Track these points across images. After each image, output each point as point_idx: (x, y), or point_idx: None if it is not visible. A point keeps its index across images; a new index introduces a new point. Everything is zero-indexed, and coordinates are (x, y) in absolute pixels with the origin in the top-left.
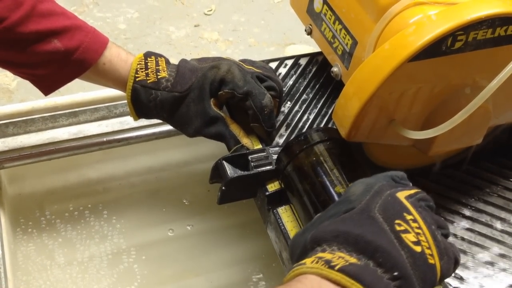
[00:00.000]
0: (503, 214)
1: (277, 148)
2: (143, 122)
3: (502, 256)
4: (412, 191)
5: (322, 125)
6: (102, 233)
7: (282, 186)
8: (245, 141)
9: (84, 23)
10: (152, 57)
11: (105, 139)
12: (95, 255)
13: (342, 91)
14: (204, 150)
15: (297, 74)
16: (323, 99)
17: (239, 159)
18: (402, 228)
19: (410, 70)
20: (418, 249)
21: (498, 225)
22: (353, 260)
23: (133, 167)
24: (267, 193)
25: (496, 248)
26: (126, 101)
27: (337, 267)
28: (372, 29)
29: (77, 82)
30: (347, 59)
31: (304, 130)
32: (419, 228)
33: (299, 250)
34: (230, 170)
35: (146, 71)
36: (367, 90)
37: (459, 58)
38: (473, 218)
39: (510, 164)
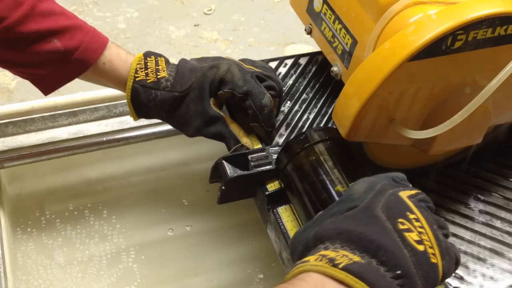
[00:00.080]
0: (503, 214)
1: (277, 148)
2: (143, 121)
3: (502, 255)
4: (413, 192)
5: (322, 125)
6: (102, 232)
7: (282, 185)
8: (245, 140)
9: (84, 23)
10: (152, 56)
11: (104, 139)
12: (95, 254)
13: (342, 91)
14: (204, 150)
15: (297, 74)
16: (323, 99)
17: (239, 158)
18: (405, 227)
19: (410, 69)
20: (421, 248)
21: (498, 224)
22: (356, 258)
23: (133, 166)
24: (267, 193)
25: (496, 248)
26: (125, 101)
27: (341, 265)
28: (372, 29)
29: (76, 82)
30: (347, 58)
31: (304, 129)
32: (422, 227)
33: (301, 248)
34: (230, 170)
35: (145, 71)
36: (367, 90)
37: (459, 57)
38: (473, 218)
39: (510, 164)
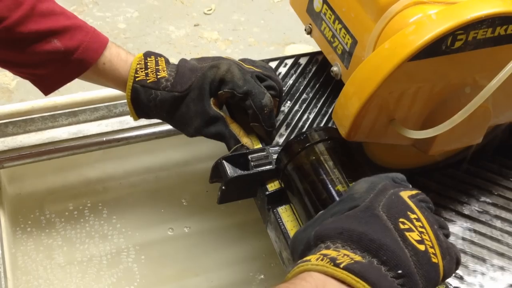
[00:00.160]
0: (503, 214)
1: (277, 148)
2: (143, 121)
3: (502, 255)
4: (414, 192)
5: (322, 125)
6: (101, 232)
7: (282, 185)
8: (245, 140)
9: (84, 23)
10: (152, 56)
11: (104, 139)
12: (95, 254)
13: (342, 91)
14: (204, 150)
15: (297, 74)
16: (323, 99)
17: (239, 158)
18: (406, 226)
19: (410, 69)
20: (422, 247)
21: (498, 224)
22: (357, 258)
23: (133, 166)
24: (267, 193)
25: (496, 248)
26: (125, 101)
27: (342, 265)
28: (372, 29)
29: (76, 82)
30: (347, 58)
31: (304, 129)
32: (423, 227)
33: (302, 247)
34: (230, 170)
35: (146, 71)
36: (367, 90)
37: (459, 57)
38: (473, 218)
39: (510, 164)
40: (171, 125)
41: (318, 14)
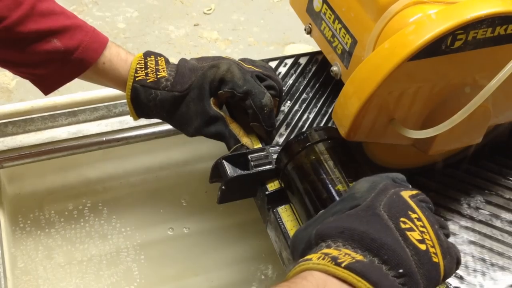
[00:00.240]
0: (503, 213)
1: (277, 148)
2: (143, 121)
3: (502, 255)
4: (414, 192)
5: (322, 125)
6: (101, 232)
7: (282, 185)
8: (245, 140)
9: (84, 23)
10: (152, 56)
11: (104, 139)
12: (94, 254)
13: (342, 90)
14: (204, 150)
15: (297, 73)
16: (323, 98)
17: (239, 158)
18: (407, 226)
19: (409, 69)
20: (423, 247)
21: (498, 224)
22: (359, 257)
23: (133, 166)
24: (267, 193)
25: (496, 248)
26: (125, 101)
27: (343, 264)
28: (372, 28)
29: (76, 82)
30: (346, 58)
31: (304, 129)
32: (424, 226)
33: (303, 245)
34: (230, 170)
35: (145, 71)
36: (367, 89)
37: (459, 57)
38: (473, 218)
39: (510, 163)
40: (171, 125)
41: (318, 13)
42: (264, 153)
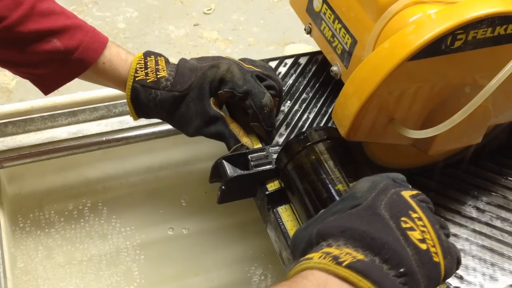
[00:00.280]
0: (503, 213)
1: (277, 148)
2: (142, 121)
3: (502, 255)
4: (414, 192)
5: (322, 124)
6: (101, 232)
7: (282, 185)
8: (245, 140)
9: (84, 23)
10: (152, 56)
11: (104, 139)
12: (94, 254)
13: (342, 90)
14: (204, 150)
15: (297, 73)
16: (323, 98)
17: (239, 158)
18: (408, 225)
19: (409, 69)
20: (423, 246)
21: (498, 224)
22: (360, 256)
23: (133, 166)
24: (267, 193)
25: (496, 248)
26: (125, 101)
27: (344, 264)
28: (372, 28)
29: (76, 82)
30: (346, 58)
31: (304, 129)
32: (424, 226)
33: (304, 244)
34: (230, 170)
35: (145, 71)
36: (367, 89)
37: (459, 57)
38: (473, 217)
39: (510, 163)
40: (171, 124)
41: (317, 13)
42: (264, 153)
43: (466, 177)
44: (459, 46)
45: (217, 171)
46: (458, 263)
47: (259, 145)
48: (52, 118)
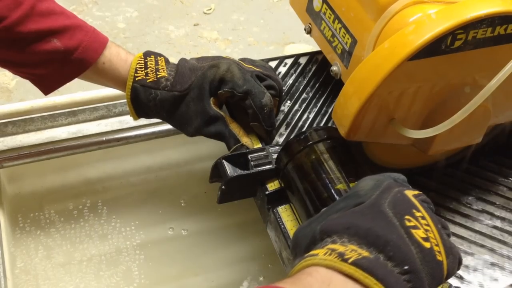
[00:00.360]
0: (503, 213)
1: (277, 147)
2: (142, 121)
3: (502, 255)
4: (416, 192)
5: (322, 124)
6: (101, 232)
7: (282, 185)
8: (245, 140)
9: (84, 23)
10: (152, 56)
11: (104, 139)
12: (94, 254)
13: (342, 90)
14: (204, 149)
15: (297, 73)
16: (323, 98)
17: (239, 158)
18: (411, 224)
19: (409, 69)
20: (427, 245)
21: (498, 224)
22: (365, 253)
23: (133, 166)
24: (266, 192)
25: (496, 247)
26: (125, 100)
27: (350, 260)
28: (372, 28)
29: (76, 82)
30: (346, 58)
31: (304, 129)
32: (428, 225)
33: (307, 241)
34: (230, 169)
35: (145, 71)
36: (367, 89)
37: (459, 57)
38: (473, 217)
39: (510, 163)
40: (171, 124)
41: (317, 13)
42: (264, 153)
43: (466, 177)
44: (459, 46)
45: (217, 171)
46: (459, 263)
47: (259, 145)
48: (52, 118)
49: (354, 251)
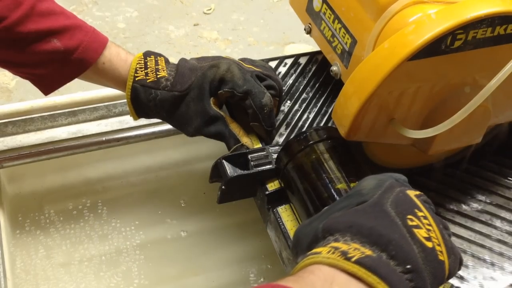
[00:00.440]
0: (503, 213)
1: (277, 147)
2: (143, 121)
3: (502, 255)
4: (417, 192)
5: (322, 124)
6: (101, 232)
7: (282, 185)
8: (245, 140)
9: (84, 23)
10: (152, 56)
11: (104, 139)
12: (94, 254)
13: (342, 90)
14: (204, 149)
15: (296, 73)
16: (322, 98)
17: (239, 158)
18: (414, 223)
19: (409, 69)
20: (429, 244)
21: (498, 224)
22: (368, 252)
23: (133, 166)
24: (266, 192)
25: (496, 247)
26: (125, 100)
27: (353, 259)
28: (372, 28)
29: (76, 82)
30: (346, 58)
31: (304, 129)
32: (430, 225)
33: (309, 239)
34: (230, 169)
35: (145, 71)
36: (367, 89)
37: (459, 57)
38: (473, 217)
39: (510, 163)
40: (171, 124)
41: (317, 13)
42: (264, 153)
43: (466, 177)
44: (459, 46)
45: (217, 171)
46: (460, 263)
47: (259, 145)
48: (52, 118)
49: (357, 249)
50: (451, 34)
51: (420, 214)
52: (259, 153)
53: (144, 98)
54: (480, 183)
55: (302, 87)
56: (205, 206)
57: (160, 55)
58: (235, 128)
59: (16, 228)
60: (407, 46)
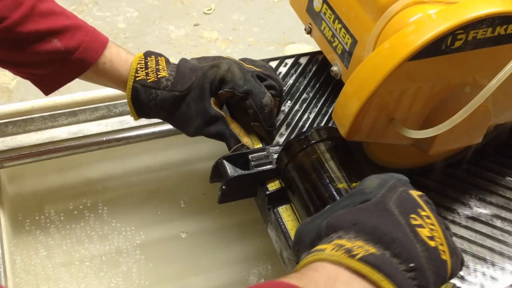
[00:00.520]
0: (503, 213)
1: (277, 147)
2: (143, 121)
3: (502, 255)
4: (420, 192)
5: (322, 124)
6: (101, 232)
7: (283, 185)
8: (246, 140)
9: (84, 23)
10: (152, 56)
11: (104, 139)
12: (94, 254)
13: (342, 90)
14: (204, 150)
15: (297, 73)
16: (323, 98)
17: (240, 158)
18: (417, 222)
19: (410, 69)
20: (432, 244)
21: (499, 224)
22: (372, 249)
23: (133, 166)
24: (267, 192)
25: (497, 247)
26: (125, 100)
27: (357, 257)
28: (372, 28)
29: (76, 82)
30: (346, 58)
31: (305, 129)
32: (433, 224)
33: (312, 236)
34: (230, 169)
35: (146, 71)
36: (367, 89)
37: (459, 57)
38: (474, 217)
39: (510, 163)
40: (171, 124)
41: (318, 13)
42: (265, 153)
43: (466, 177)
44: (459, 46)
45: (217, 171)
46: (461, 263)
47: (260, 145)
48: (52, 118)
49: (361, 247)
50: (452, 34)
51: (423, 213)
52: (260, 153)
53: (145, 98)
54: (480, 183)
55: (302, 87)
56: (205, 206)
57: (161, 55)
58: (235, 128)
59: (16, 228)
60: (408, 46)
